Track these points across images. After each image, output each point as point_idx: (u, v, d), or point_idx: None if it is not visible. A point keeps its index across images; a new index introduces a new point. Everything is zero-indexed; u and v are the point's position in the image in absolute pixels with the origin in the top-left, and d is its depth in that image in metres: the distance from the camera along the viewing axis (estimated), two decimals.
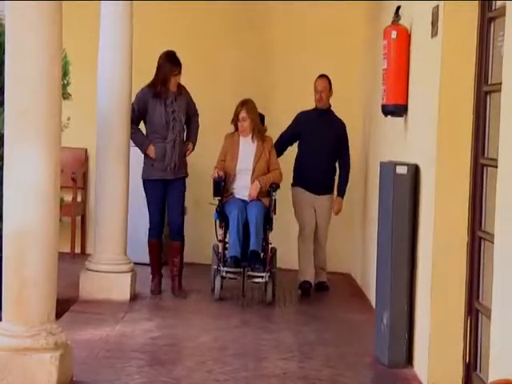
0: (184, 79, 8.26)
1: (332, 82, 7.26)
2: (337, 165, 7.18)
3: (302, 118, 7.20)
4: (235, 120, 6.83)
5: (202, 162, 7.32)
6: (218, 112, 7.53)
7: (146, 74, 7.82)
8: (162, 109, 6.65)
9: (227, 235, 6.67)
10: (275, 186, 6.77)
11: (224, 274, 6.48)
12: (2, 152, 4.43)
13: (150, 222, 6.74)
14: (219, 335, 5.66)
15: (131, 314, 6.12)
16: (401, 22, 5.63)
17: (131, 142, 6.69)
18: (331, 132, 7.12)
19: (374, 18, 7.29)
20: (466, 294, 4.63)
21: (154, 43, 8.16)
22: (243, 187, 6.77)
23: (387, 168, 5.28)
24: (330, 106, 7.21)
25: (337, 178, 7.21)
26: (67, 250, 7.95)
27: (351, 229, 7.90)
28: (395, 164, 5.19)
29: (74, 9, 6.76)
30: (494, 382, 2.87)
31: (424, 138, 5.04)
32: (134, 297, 6.56)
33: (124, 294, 6.42)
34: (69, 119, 6.47)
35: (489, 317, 3.90)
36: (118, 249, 6.53)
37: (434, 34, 4.88)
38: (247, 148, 6.83)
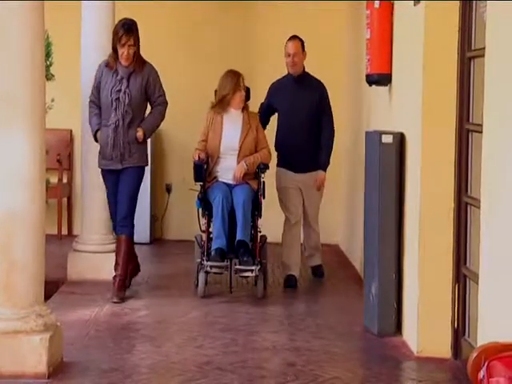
0: (167, 62, 8.24)
1: (317, 54, 6.82)
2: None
3: (275, 90, 6.52)
4: (233, 91, 6.00)
5: (187, 141, 7.22)
6: (201, 92, 7.26)
7: None
8: (109, 86, 5.85)
9: (211, 225, 6.00)
10: (264, 167, 6.07)
11: (208, 268, 5.79)
12: None
13: (110, 214, 6.08)
14: (208, 311, 5.66)
15: None
16: None
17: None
18: (309, 98, 6.36)
19: None
20: (453, 260, 4.65)
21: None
22: (228, 169, 6.05)
23: (373, 137, 5.27)
24: (304, 69, 6.49)
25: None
26: (54, 231, 7.93)
27: (338, 200, 7.89)
28: (381, 133, 5.17)
29: None
30: (483, 345, 2.88)
31: (409, 106, 5.03)
32: None
33: (112, 274, 6.38)
34: (53, 100, 6.43)
35: (476, 282, 3.91)
36: (104, 229, 6.50)
37: (417, 1, 4.85)
38: (232, 125, 6.09)
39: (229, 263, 5.86)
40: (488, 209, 3.66)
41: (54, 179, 7.85)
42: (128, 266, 5.96)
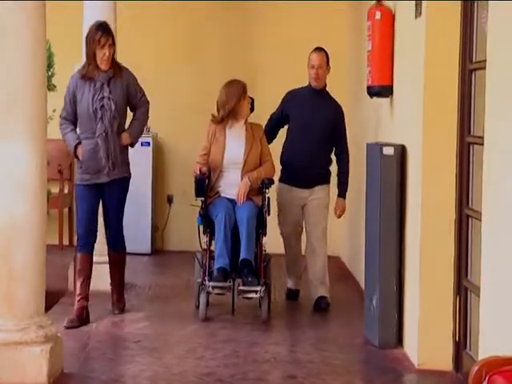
0: (167, 65, 8.27)
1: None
2: (332, 155, 6.21)
3: (291, 98, 6.19)
4: (238, 100, 5.75)
5: (189, 151, 7.20)
6: (203, 102, 7.19)
7: (132, 62, 7.81)
8: (89, 96, 5.48)
9: (213, 243, 5.71)
10: (268, 182, 5.78)
11: (210, 289, 5.49)
12: None
13: (77, 233, 5.68)
14: (209, 323, 5.64)
15: None
16: (385, 2, 5.60)
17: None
18: (325, 115, 6.07)
19: None
20: (454, 272, 4.64)
21: (137, 31, 8.18)
22: (231, 184, 5.73)
23: (374, 149, 5.27)
24: (326, 85, 6.22)
25: (331, 167, 6.21)
26: (55, 242, 7.92)
27: None
28: (382, 145, 5.18)
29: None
30: (484, 359, 2.87)
31: (410, 118, 5.03)
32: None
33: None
34: (54, 111, 6.41)
35: (478, 294, 3.90)
36: (105, 240, 6.47)
37: (418, 14, 4.87)
38: (236, 137, 5.80)
39: (231, 284, 5.59)
40: (489, 221, 3.66)
41: (55, 189, 7.85)
42: (124, 277, 5.89)
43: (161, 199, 8.38)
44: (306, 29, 8.01)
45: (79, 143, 5.54)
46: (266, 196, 5.80)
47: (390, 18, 5.51)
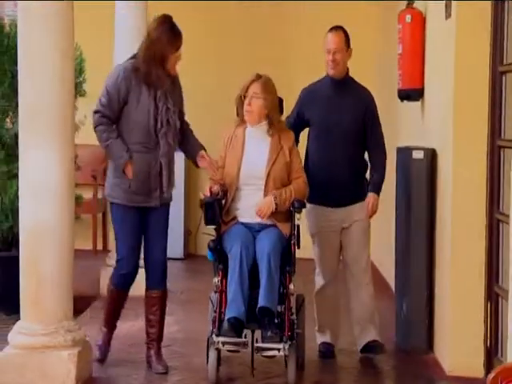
0: (194, 71, 8.28)
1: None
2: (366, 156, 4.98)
3: (307, 96, 4.93)
4: (241, 99, 4.62)
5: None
6: (228, 104, 7.14)
7: None
8: (150, 102, 4.45)
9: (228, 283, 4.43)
10: (298, 205, 4.46)
11: (220, 345, 4.28)
12: (17, 152, 4.42)
13: (119, 265, 4.65)
14: None
15: None
16: (415, 5, 5.56)
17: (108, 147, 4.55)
18: (351, 111, 4.81)
19: (388, 2, 7.21)
20: (485, 278, 4.58)
21: None
22: (252, 206, 4.49)
23: (404, 153, 5.23)
24: (348, 72, 4.93)
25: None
26: (89, 247, 7.98)
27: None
28: (412, 149, 5.13)
29: (89, 5, 6.77)
30: (503, 365, 2.82)
31: (440, 122, 4.98)
32: None
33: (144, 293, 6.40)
34: (85, 117, 6.48)
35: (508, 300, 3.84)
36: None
37: (448, 15, 4.82)
38: (257, 145, 4.59)
39: (248, 338, 4.37)
40: None
41: (88, 195, 7.90)
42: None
43: (193, 203, 8.40)
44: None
45: (131, 158, 4.51)
46: (297, 223, 4.49)
47: (420, 21, 5.47)
